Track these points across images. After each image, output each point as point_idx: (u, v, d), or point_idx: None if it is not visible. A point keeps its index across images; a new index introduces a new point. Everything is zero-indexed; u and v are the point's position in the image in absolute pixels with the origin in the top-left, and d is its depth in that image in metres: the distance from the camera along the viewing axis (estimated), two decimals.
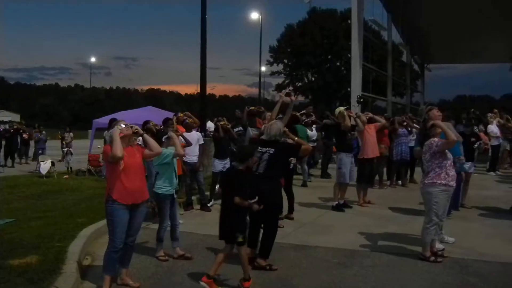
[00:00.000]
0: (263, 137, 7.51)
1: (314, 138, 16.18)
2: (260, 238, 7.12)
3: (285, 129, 7.71)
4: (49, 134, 26.70)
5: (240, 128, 12.42)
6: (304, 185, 14.75)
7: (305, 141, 13.72)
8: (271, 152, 7.02)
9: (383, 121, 12.90)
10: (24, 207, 10.61)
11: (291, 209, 10.19)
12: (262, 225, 7.17)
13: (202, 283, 5.90)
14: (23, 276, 5.91)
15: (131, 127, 6.07)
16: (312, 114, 16.96)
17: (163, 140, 7.57)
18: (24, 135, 24.40)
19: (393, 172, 15.00)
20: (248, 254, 6.56)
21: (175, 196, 7.49)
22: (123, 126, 6.02)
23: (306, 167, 15.14)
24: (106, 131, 12.36)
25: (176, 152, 7.25)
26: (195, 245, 8.01)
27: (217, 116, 12.64)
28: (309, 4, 39.07)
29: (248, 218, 6.37)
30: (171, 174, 7.37)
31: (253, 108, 12.66)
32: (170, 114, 14.36)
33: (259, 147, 7.14)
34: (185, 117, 11.21)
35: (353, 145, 11.61)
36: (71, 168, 18.73)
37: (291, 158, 7.56)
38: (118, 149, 5.64)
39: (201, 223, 9.73)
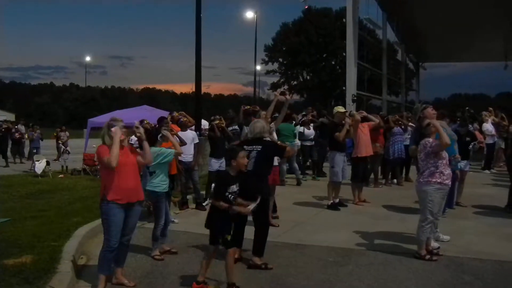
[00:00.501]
0: (248, 136, 7.61)
1: (311, 136, 16.21)
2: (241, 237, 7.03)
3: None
4: (44, 133, 26.57)
5: (236, 127, 12.42)
6: (298, 183, 14.78)
7: (292, 139, 13.87)
8: (259, 149, 7.08)
9: (377, 120, 12.90)
10: (19, 206, 10.58)
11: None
12: (254, 224, 7.12)
13: None
14: (18, 276, 5.89)
15: (137, 127, 6.13)
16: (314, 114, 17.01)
17: (158, 139, 7.57)
18: (16, 135, 24.31)
19: (388, 171, 15.03)
20: (236, 254, 6.51)
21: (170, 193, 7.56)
22: (123, 129, 5.99)
23: (296, 165, 15.16)
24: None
25: (176, 152, 7.34)
26: (190, 244, 8.01)
27: (213, 114, 12.62)
28: (305, 3, 39.03)
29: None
30: (166, 173, 7.42)
31: (248, 107, 12.68)
32: (165, 113, 14.34)
33: (245, 146, 7.08)
34: (180, 116, 11.21)
35: (346, 144, 11.59)
36: (66, 167, 18.70)
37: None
38: (115, 158, 5.63)
39: (196, 223, 9.69)
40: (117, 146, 5.68)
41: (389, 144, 14.45)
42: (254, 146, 7.12)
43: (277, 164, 9.51)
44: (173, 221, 9.43)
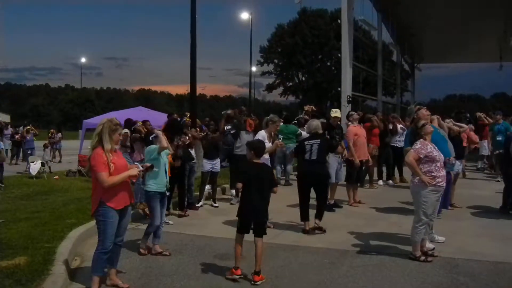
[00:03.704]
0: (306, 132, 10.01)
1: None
2: None
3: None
4: (40, 134, 26.47)
5: (229, 126, 12.64)
6: (287, 184, 14.81)
7: (294, 140, 14.09)
8: (318, 142, 9.16)
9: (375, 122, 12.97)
10: (14, 208, 10.54)
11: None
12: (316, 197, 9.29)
13: (258, 283, 6.23)
14: (11, 278, 5.87)
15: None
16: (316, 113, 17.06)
17: (150, 138, 7.61)
18: (16, 136, 24.23)
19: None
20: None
21: (167, 194, 7.52)
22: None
23: (290, 167, 15.22)
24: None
25: (160, 146, 7.43)
26: (184, 245, 7.99)
27: (209, 116, 12.75)
28: (300, 4, 38.98)
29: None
30: (157, 172, 7.35)
31: (230, 112, 12.93)
32: (161, 114, 14.34)
33: (306, 141, 9.32)
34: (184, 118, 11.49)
35: (342, 146, 11.56)
36: (49, 167, 18.56)
37: None
38: (112, 184, 5.73)
39: (190, 224, 9.70)
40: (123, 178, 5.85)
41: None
42: (314, 140, 9.19)
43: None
44: (167, 222, 9.43)
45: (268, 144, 9.30)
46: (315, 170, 9.13)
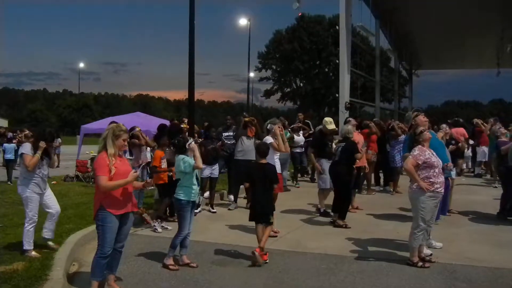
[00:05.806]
0: (339, 136, 11.04)
1: (301, 143, 16.22)
2: None
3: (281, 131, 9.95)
4: None
5: (230, 133, 12.70)
6: (284, 190, 14.84)
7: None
8: (343, 145, 10.21)
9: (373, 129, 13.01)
10: (11, 213, 10.50)
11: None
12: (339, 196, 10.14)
13: (256, 253, 7.21)
14: (9, 283, 5.86)
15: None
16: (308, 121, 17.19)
17: (186, 146, 7.46)
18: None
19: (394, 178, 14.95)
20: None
21: (197, 203, 7.40)
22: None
23: (285, 173, 15.22)
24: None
25: (195, 165, 7.23)
26: None
27: (207, 121, 12.79)
28: (298, 10, 39.01)
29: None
30: (190, 182, 7.28)
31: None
32: (159, 120, 14.30)
33: (337, 144, 10.48)
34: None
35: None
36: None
37: None
38: (111, 188, 5.77)
39: None
40: (121, 185, 5.85)
41: (395, 151, 14.26)
42: (341, 144, 10.32)
43: (280, 171, 9.72)
44: (166, 228, 9.42)
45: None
46: (335, 169, 10.31)
